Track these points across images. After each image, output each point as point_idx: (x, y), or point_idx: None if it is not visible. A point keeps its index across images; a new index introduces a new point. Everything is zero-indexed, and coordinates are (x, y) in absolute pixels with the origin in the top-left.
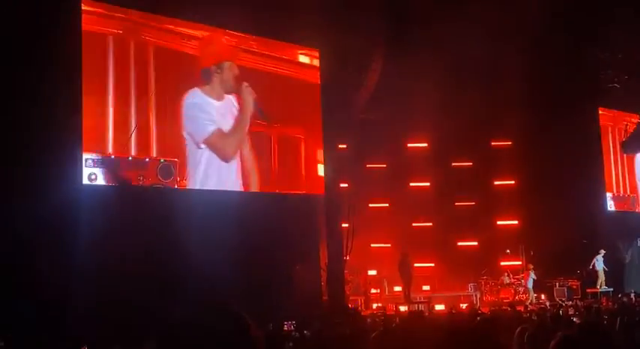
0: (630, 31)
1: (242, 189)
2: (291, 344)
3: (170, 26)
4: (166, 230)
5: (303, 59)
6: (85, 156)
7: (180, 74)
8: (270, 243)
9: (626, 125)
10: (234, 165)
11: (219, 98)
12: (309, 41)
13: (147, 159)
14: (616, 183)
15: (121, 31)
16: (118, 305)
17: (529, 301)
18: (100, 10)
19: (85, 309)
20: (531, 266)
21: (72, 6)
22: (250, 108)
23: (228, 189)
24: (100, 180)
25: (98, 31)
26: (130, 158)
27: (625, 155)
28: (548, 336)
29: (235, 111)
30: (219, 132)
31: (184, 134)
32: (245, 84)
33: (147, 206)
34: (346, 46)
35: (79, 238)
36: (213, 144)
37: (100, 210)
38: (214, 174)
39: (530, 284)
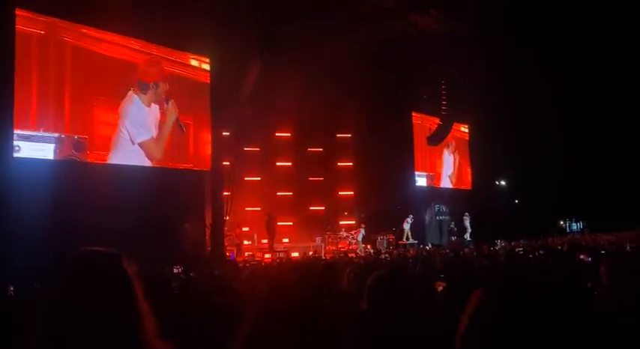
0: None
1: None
2: (176, 283)
3: (84, 31)
4: (78, 197)
5: (195, 63)
6: (16, 131)
7: (93, 70)
8: (166, 207)
9: (430, 126)
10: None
11: (149, 106)
12: (201, 49)
13: (63, 135)
14: (423, 165)
15: (43, 32)
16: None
17: (358, 250)
18: (28, 15)
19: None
20: (363, 225)
21: (7, 11)
22: (173, 119)
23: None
24: (24, 153)
25: (26, 32)
26: (51, 134)
27: (429, 145)
28: (368, 275)
29: (158, 119)
30: (152, 140)
31: (122, 128)
32: (171, 101)
33: (60, 177)
34: (229, 53)
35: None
36: (146, 147)
37: (27, 180)
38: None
39: (360, 238)
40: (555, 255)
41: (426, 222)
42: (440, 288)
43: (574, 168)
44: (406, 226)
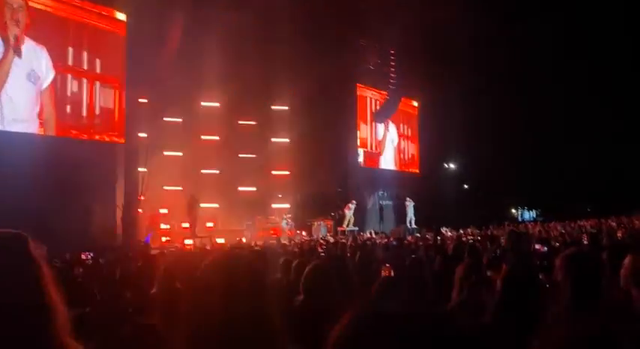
0: (385, 23)
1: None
2: (81, 269)
3: None
4: None
5: (110, 13)
6: None
7: None
8: (72, 183)
9: (377, 100)
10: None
11: None
12: (120, 4)
13: None
14: (367, 143)
15: None
16: None
17: (282, 237)
18: None
19: None
20: (289, 215)
21: None
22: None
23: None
24: None
25: None
26: None
27: (375, 122)
28: (304, 264)
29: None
30: None
31: None
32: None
33: None
34: (152, 12)
35: None
36: None
37: None
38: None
39: (284, 225)
40: (502, 247)
41: (368, 206)
42: (385, 273)
43: (531, 154)
44: (348, 213)
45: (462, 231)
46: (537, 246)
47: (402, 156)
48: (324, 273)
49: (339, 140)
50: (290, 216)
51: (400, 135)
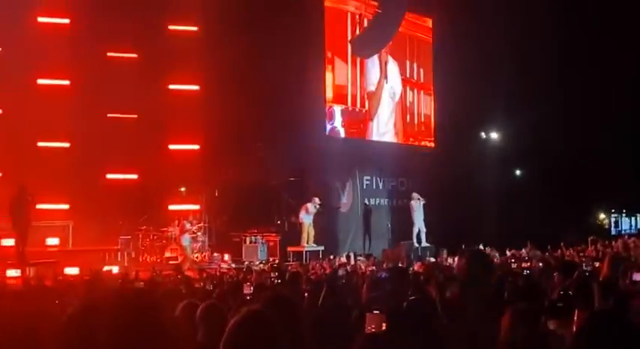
0: None
1: None
2: None
3: None
4: None
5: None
6: None
7: None
8: None
9: (362, 15)
10: None
11: None
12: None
13: None
14: (342, 95)
15: None
16: None
17: (186, 265)
18: None
19: None
20: (196, 225)
21: None
22: None
23: None
24: None
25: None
26: None
27: (356, 56)
28: (223, 313)
29: None
30: None
31: None
32: None
33: None
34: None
35: None
36: None
37: None
38: None
39: (186, 242)
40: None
41: (345, 209)
42: (373, 324)
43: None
44: (306, 218)
45: (510, 253)
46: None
47: (408, 119)
48: (262, 330)
49: (292, 89)
50: (200, 225)
51: (405, 82)
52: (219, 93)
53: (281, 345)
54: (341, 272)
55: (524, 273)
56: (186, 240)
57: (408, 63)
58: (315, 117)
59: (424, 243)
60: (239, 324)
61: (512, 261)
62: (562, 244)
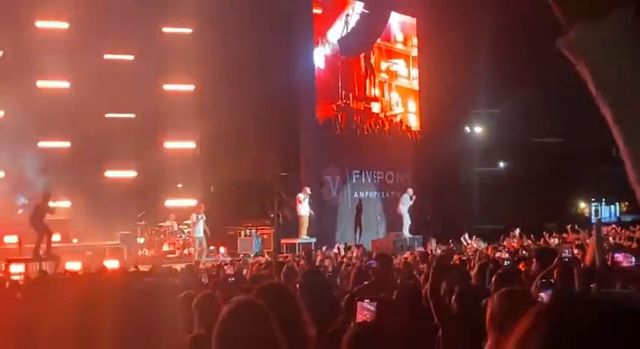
0: None
1: None
2: None
3: None
4: None
5: None
6: None
7: None
8: None
9: (347, 15)
10: None
11: None
12: None
13: None
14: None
15: None
16: None
17: (199, 256)
18: None
19: None
20: (202, 209)
21: None
22: None
23: None
24: None
25: None
26: None
27: (344, 55)
28: (217, 304)
29: None
30: None
31: None
32: None
33: None
34: None
35: None
36: None
37: None
38: None
39: (199, 232)
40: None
41: (336, 202)
42: (365, 313)
43: None
44: (303, 210)
45: (505, 242)
46: (618, 256)
47: (389, 107)
48: (253, 319)
49: (282, 84)
50: (200, 218)
51: (389, 74)
52: (213, 93)
53: (272, 335)
54: (327, 262)
55: (507, 262)
56: (199, 231)
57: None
58: (307, 112)
59: (407, 234)
60: (229, 314)
61: (498, 248)
62: (545, 233)
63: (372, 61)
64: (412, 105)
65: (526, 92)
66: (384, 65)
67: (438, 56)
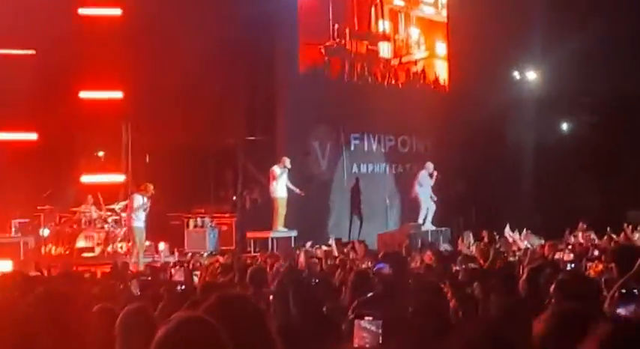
0: None
1: None
2: None
3: None
4: None
5: None
6: None
7: None
8: None
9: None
10: None
11: None
12: None
13: None
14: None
15: None
16: None
17: (136, 256)
18: None
19: None
20: (145, 189)
21: None
22: None
23: None
24: None
25: None
26: None
27: None
28: (151, 322)
29: None
30: None
31: None
32: None
33: None
34: None
35: None
36: None
37: None
38: None
39: (139, 223)
40: None
41: (326, 178)
42: (364, 336)
43: None
44: (279, 190)
45: (571, 237)
46: None
47: (406, 50)
48: (205, 347)
49: (251, 15)
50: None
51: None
52: (149, 19)
53: None
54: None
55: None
56: (139, 221)
57: None
58: (285, 55)
59: (430, 226)
60: (166, 337)
61: (557, 247)
62: (627, 225)
63: None
64: (441, 47)
65: (607, 21)
66: None
67: None
